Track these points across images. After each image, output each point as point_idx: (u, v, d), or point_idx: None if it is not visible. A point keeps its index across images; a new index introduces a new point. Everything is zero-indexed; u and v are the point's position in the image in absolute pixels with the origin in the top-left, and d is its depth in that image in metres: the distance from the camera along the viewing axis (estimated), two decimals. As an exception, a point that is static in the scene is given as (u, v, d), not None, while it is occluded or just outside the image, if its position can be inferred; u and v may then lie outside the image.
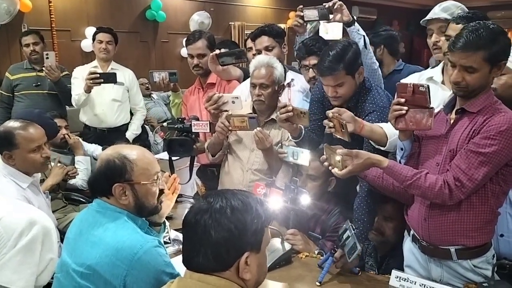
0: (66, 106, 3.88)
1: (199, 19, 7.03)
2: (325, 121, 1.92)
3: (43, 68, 3.53)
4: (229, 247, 1.10)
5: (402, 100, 1.68)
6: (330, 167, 1.76)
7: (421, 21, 2.31)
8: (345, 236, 1.82)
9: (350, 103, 2.09)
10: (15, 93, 3.75)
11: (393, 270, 1.76)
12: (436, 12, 2.21)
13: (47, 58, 3.48)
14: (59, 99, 3.74)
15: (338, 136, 1.89)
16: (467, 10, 2.14)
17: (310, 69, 2.52)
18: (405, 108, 1.67)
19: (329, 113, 1.88)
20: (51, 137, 2.76)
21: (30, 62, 3.78)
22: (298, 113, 2.08)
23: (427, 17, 2.25)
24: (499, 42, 1.53)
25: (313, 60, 2.51)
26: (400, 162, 1.82)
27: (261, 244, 1.15)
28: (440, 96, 1.94)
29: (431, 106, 1.65)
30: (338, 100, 2.07)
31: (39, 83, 3.72)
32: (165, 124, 5.29)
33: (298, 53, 2.65)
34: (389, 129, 1.88)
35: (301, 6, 2.60)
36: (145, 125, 4.30)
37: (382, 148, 1.91)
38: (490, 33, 1.53)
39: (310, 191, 2.19)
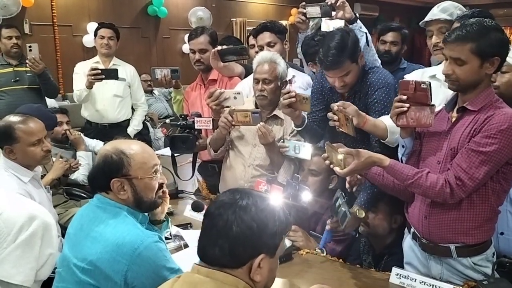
0: (48, 99, 3.80)
1: (198, 15, 7.02)
2: (330, 114, 1.91)
3: (27, 61, 3.41)
4: (247, 244, 1.10)
5: (404, 97, 1.68)
6: (331, 166, 1.76)
7: (420, 23, 2.30)
8: (337, 204, 1.88)
9: (356, 87, 2.11)
10: None
11: (393, 267, 1.77)
12: (435, 13, 2.20)
13: (30, 50, 3.38)
14: (40, 93, 3.64)
15: (342, 130, 1.89)
16: (465, 10, 2.14)
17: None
18: (407, 105, 1.68)
19: (334, 106, 1.87)
20: (49, 129, 2.76)
21: (7, 56, 3.62)
22: (301, 99, 2.07)
23: (426, 19, 2.24)
24: (489, 36, 1.53)
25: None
26: (401, 160, 1.82)
27: (277, 249, 1.16)
28: (442, 93, 1.94)
29: (432, 103, 1.65)
30: (345, 88, 2.08)
31: (17, 78, 3.58)
32: (167, 120, 5.28)
33: (307, 52, 2.64)
34: (391, 124, 1.89)
35: (303, 3, 2.60)
36: (145, 121, 4.30)
37: (382, 141, 1.93)
38: (481, 28, 1.54)
39: (311, 187, 2.18)
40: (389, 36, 3.16)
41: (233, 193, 1.16)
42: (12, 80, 3.58)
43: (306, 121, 2.20)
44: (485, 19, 1.61)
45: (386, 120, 1.93)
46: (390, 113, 1.75)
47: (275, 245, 1.14)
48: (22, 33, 4.40)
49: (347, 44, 1.97)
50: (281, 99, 2.13)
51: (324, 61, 1.99)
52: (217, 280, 1.10)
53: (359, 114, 1.85)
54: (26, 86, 3.60)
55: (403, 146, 1.81)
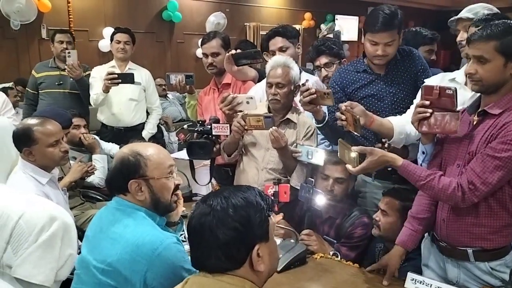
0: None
1: (215, 20, 7.08)
2: (337, 114, 1.96)
3: (65, 67, 3.56)
4: (238, 245, 1.11)
5: (427, 102, 1.66)
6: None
7: (448, 22, 2.33)
8: None
9: (390, 64, 2.24)
10: (39, 91, 3.80)
11: (408, 273, 1.75)
12: (462, 12, 2.23)
13: (69, 56, 3.52)
14: (80, 98, 3.77)
15: (350, 130, 1.93)
16: (496, 10, 2.13)
17: (323, 69, 2.59)
18: (429, 110, 1.66)
19: (342, 106, 1.91)
20: (63, 127, 2.82)
21: (58, 59, 3.80)
22: (322, 94, 2.12)
23: (452, 18, 2.27)
24: None
25: (323, 59, 2.62)
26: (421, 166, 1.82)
27: (268, 233, 1.17)
28: (461, 97, 1.93)
29: (457, 109, 1.63)
30: (384, 59, 2.18)
31: (61, 82, 3.75)
32: (185, 126, 5.31)
33: (308, 56, 2.69)
34: (397, 124, 1.92)
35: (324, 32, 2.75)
36: (160, 125, 4.34)
37: (388, 141, 1.98)
38: (506, 26, 1.53)
39: (338, 195, 2.21)
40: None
41: (205, 202, 1.17)
42: (56, 83, 3.76)
43: (327, 117, 2.22)
44: (510, 20, 1.60)
45: (393, 120, 1.95)
46: (411, 118, 1.74)
47: (265, 231, 1.15)
48: (40, 38, 4.48)
49: (398, 15, 2.12)
50: (301, 97, 2.16)
51: (374, 23, 2.09)
52: (223, 282, 1.11)
53: (366, 114, 1.89)
54: (68, 90, 3.77)
55: (423, 153, 1.80)
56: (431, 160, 1.80)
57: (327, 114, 2.25)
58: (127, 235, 1.39)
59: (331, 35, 2.89)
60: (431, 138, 1.77)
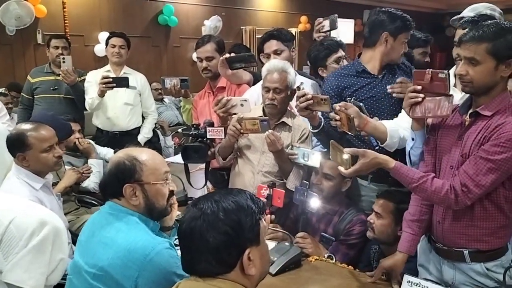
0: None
1: (211, 24, 7.08)
2: (332, 114, 1.96)
3: (60, 72, 3.56)
4: (229, 248, 1.11)
5: (419, 87, 1.66)
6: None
7: (450, 21, 2.34)
8: None
9: (387, 66, 2.30)
10: (34, 96, 3.80)
11: (405, 275, 1.74)
12: (465, 11, 2.23)
13: (64, 62, 3.52)
14: (75, 104, 3.75)
15: (344, 130, 1.94)
16: (499, 10, 2.13)
17: (344, 60, 2.62)
18: (421, 95, 1.65)
19: (336, 106, 1.93)
20: (65, 137, 2.81)
21: (53, 64, 3.80)
22: (319, 100, 2.11)
23: (456, 17, 2.27)
24: (506, 38, 1.50)
25: (341, 52, 2.66)
26: (409, 154, 1.82)
27: (259, 236, 1.16)
28: None
29: (450, 93, 1.62)
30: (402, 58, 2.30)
31: (56, 87, 3.75)
32: (180, 130, 5.31)
33: (319, 55, 2.68)
34: (390, 128, 1.92)
35: (320, 19, 2.78)
36: (156, 129, 4.33)
37: (381, 145, 1.97)
38: (497, 28, 1.52)
39: (324, 190, 2.20)
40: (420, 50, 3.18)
41: (195, 205, 1.16)
42: (51, 88, 3.75)
43: (322, 122, 2.22)
44: (502, 21, 1.59)
45: (386, 124, 1.95)
46: (403, 104, 1.73)
47: (256, 235, 1.14)
48: (35, 43, 4.45)
49: None
50: (297, 102, 2.15)
51: (411, 21, 2.20)
52: (215, 286, 1.11)
53: (360, 115, 1.90)
54: (63, 95, 3.76)
55: (412, 139, 1.79)
56: (423, 158, 1.79)
57: (322, 120, 2.25)
58: (119, 240, 1.38)
59: (327, 22, 2.89)
60: (422, 124, 1.76)
